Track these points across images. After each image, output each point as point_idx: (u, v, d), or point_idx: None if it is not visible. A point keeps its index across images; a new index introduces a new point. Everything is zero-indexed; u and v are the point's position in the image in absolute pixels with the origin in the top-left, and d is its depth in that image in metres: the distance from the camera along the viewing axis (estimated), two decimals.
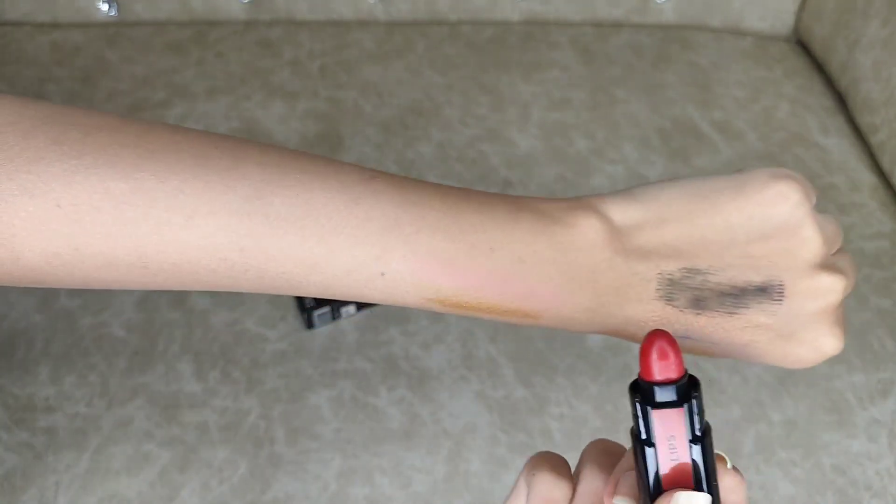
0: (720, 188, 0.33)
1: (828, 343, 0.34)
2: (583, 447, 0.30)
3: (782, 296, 0.33)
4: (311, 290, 0.31)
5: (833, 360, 0.60)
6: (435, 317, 0.61)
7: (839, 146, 0.79)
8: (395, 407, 0.56)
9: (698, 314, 0.33)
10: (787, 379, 0.59)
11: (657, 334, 0.26)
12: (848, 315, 0.62)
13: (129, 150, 0.29)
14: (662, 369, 0.25)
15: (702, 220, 0.32)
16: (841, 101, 0.85)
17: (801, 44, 0.93)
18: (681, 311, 0.33)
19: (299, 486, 0.52)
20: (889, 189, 0.75)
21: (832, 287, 0.33)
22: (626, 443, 0.28)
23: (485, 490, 0.52)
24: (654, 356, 0.26)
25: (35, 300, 0.61)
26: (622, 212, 0.32)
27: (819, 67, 0.90)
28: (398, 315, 0.62)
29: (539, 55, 0.87)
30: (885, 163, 0.75)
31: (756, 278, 0.33)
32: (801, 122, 0.81)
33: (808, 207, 0.33)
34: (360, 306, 0.61)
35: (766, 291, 0.33)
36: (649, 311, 0.33)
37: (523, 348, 0.60)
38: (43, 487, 0.51)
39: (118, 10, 0.89)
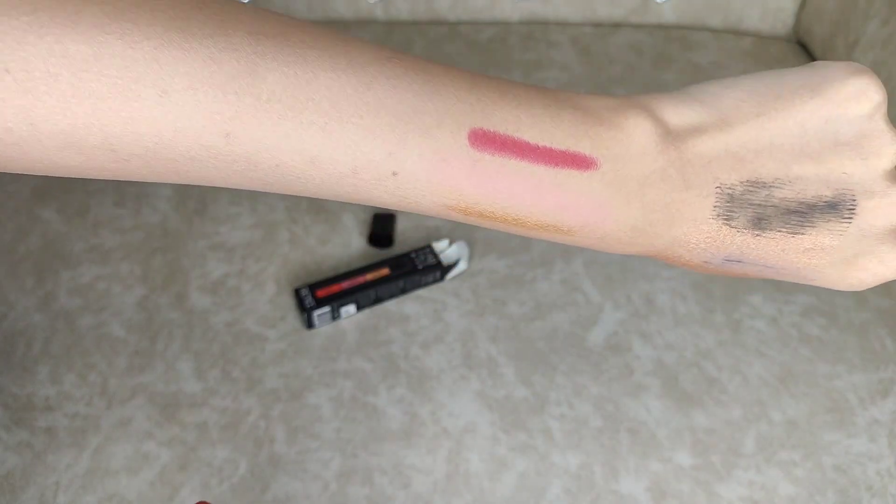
0: (795, 87, 0.28)
1: (892, 263, 0.30)
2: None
3: (853, 213, 0.29)
4: (310, 189, 0.27)
5: (833, 360, 0.60)
6: (435, 316, 0.61)
7: None
8: (394, 406, 0.56)
9: (758, 235, 0.29)
10: (787, 378, 0.59)
11: None
12: (848, 315, 0.63)
13: (94, 6, 0.24)
14: None
15: (772, 124, 0.28)
16: None
17: (801, 44, 0.93)
18: (738, 231, 0.29)
19: (299, 485, 0.52)
20: None
21: None
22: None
23: (485, 490, 0.52)
24: None
25: (35, 300, 0.61)
26: (679, 114, 0.28)
27: None
28: (398, 315, 0.62)
29: (539, 55, 0.87)
30: None
31: (826, 193, 0.28)
32: None
33: (885, 110, 0.29)
34: (360, 306, 0.61)
35: (836, 208, 0.29)
36: (702, 232, 0.29)
37: (523, 348, 0.60)
38: (43, 487, 0.51)
39: None
